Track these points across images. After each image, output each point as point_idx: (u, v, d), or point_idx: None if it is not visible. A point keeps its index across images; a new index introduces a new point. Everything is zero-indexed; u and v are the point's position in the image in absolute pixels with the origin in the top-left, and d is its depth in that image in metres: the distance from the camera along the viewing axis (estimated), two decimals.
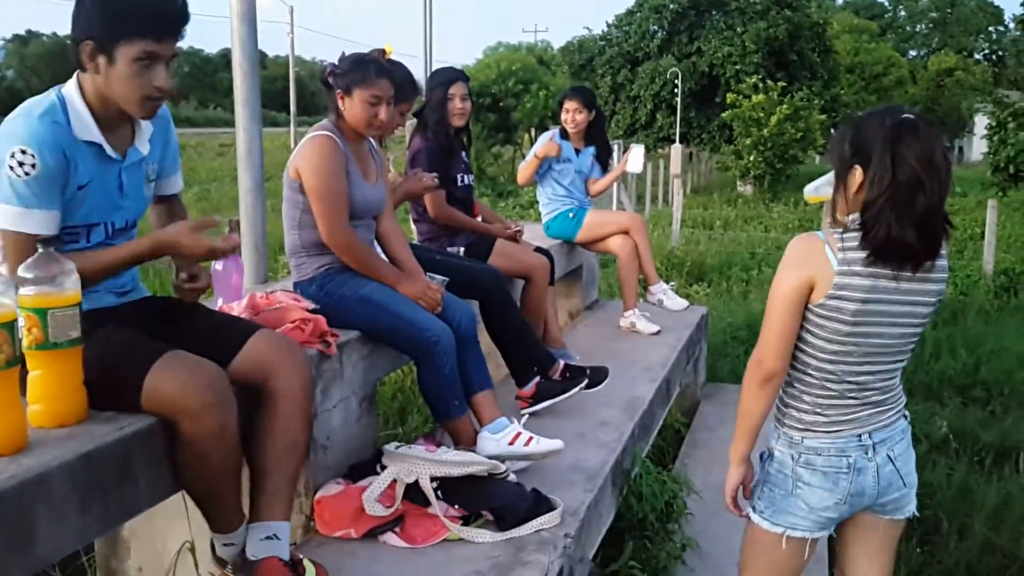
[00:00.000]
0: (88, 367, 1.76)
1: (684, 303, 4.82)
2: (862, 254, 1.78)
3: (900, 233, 1.74)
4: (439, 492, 2.33)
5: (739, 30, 30.33)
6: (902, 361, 1.93)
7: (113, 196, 1.95)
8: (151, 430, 1.81)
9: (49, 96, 1.86)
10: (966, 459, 4.41)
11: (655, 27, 32.60)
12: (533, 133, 24.12)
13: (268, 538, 1.94)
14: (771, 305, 1.88)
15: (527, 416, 3.09)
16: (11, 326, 1.60)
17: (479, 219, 3.92)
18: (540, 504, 2.40)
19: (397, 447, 2.46)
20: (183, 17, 1.85)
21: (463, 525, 2.32)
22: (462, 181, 3.83)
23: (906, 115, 1.77)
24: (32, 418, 1.71)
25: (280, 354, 2.02)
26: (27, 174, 1.76)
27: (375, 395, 2.78)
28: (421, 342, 2.60)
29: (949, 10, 58.59)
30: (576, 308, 5.18)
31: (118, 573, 2.63)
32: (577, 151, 4.72)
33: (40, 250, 1.68)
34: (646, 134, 31.60)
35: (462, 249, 3.73)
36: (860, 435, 1.91)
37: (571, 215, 4.71)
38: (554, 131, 4.73)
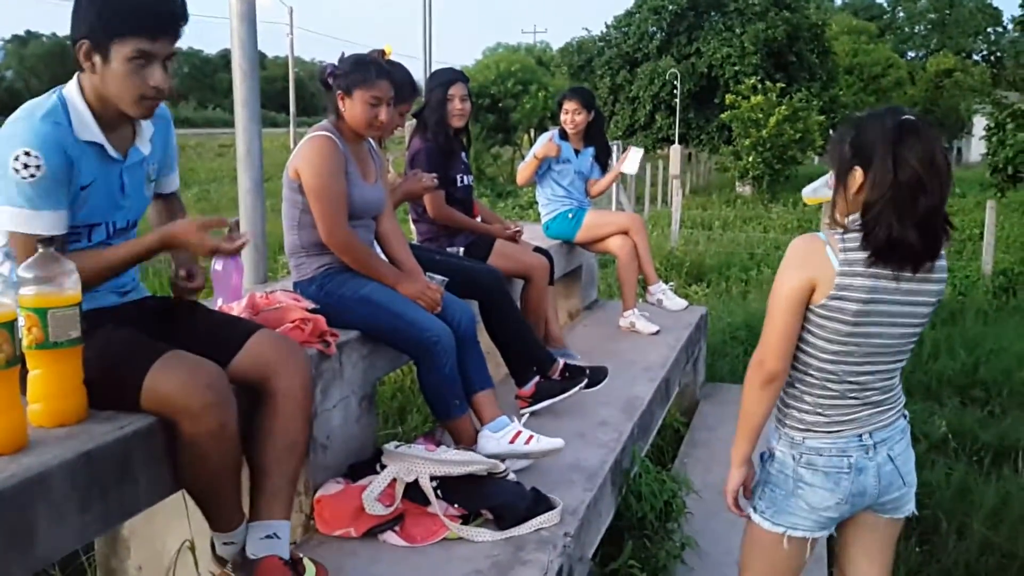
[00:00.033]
0: (88, 367, 1.76)
1: (683, 303, 4.83)
2: (863, 255, 1.78)
3: (901, 234, 1.74)
4: (439, 491, 2.34)
5: (738, 31, 30.34)
6: (902, 361, 1.94)
7: (115, 196, 1.95)
8: (151, 429, 1.81)
9: (50, 97, 1.86)
10: (965, 459, 4.42)
11: (654, 28, 32.60)
12: (532, 134, 24.13)
13: (268, 537, 1.94)
14: (772, 306, 1.88)
15: (527, 416, 3.10)
16: (11, 325, 1.60)
17: (478, 219, 3.92)
18: (540, 503, 2.40)
19: (397, 446, 2.47)
20: (178, 16, 1.84)
21: (463, 524, 2.33)
22: (461, 182, 3.83)
23: (906, 116, 1.78)
24: (32, 417, 1.72)
25: (280, 354, 2.02)
26: (33, 176, 1.76)
27: (375, 395, 2.79)
28: (421, 342, 2.61)
29: (948, 11, 58.61)
30: (575, 308, 5.18)
31: (118, 572, 2.63)
32: (576, 152, 4.73)
33: (40, 250, 1.68)
34: (645, 135, 31.61)
35: (461, 249, 3.73)
36: (861, 435, 1.91)
37: (570, 215, 4.72)
38: (553, 132, 4.73)
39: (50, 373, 1.72)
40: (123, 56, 1.80)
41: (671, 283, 5.38)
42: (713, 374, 5.63)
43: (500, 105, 23.63)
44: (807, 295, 1.84)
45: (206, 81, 71.06)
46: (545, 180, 4.74)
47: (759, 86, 23.15)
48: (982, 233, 10.16)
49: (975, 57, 55.59)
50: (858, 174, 1.79)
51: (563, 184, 4.71)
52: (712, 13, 31.96)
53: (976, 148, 34.65)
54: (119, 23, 1.79)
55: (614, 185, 10.33)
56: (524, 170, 4.69)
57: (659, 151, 29.61)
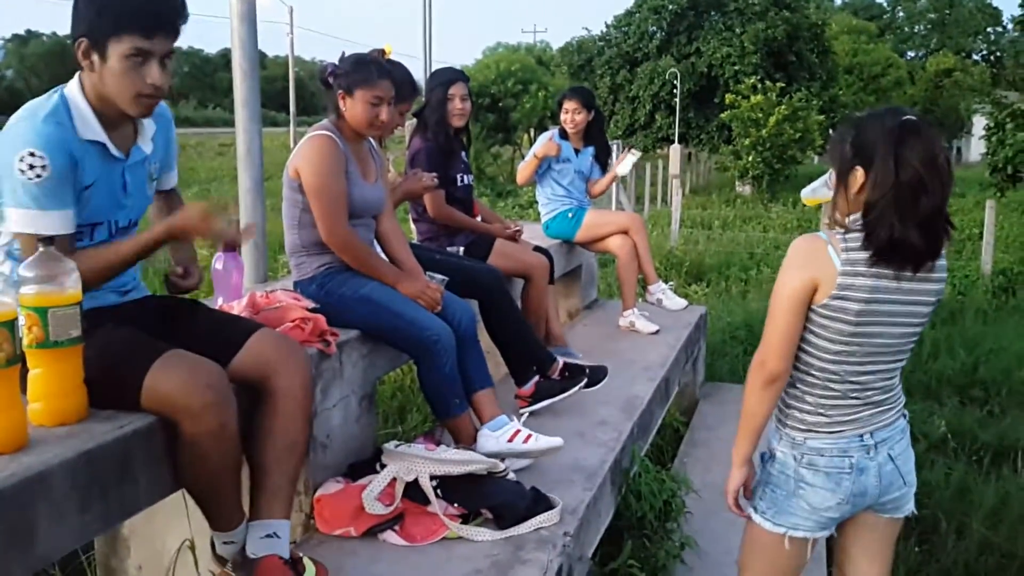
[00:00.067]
0: (88, 366, 1.76)
1: (683, 303, 4.83)
2: (865, 254, 1.78)
3: (903, 234, 1.74)
4: (438, 490, 2.34)
5: (738, 31, 30.33)
6: (902, 360, 1.94)
7: (117, 195, 1.95)
8: (151, 429, 1.81)
9: (51, 97, 1.86)
10: (964, 458, 4.42)
11: (654, 28, 32.59)
12: (532, 133, 24.13)
13: (268, 536, 1.94)
14: (774, 306, 1.87)
15: (526, 415, 3.10)
16: (11, 325, 1.60)
17: (478, 219, 3.93)
18: (539, 502, 2.40)
19: (397, 446, 2.47)
20: (176, 14, 1.84)
21: (462, 523, 2.33)
22: (462, 181, 3.83)
23: (907, 116, 1.78)
24: (32, 416, 1.72)
25: (280, 353, 2.02)
26: (39, 176, 1.75)
27: (375, 394, 2.79)
28: (421, 341, 2.61)
29: (947, 11, 58.60)
30: (575, 308, 5.18)
31: (118, 571, 2.63)
32: (576, 151, 4.73)
33: (41, 249, 1.68)
34: (645, 134, 31.61)
35: (462, 249, 3.73)
36: (862, 435, 1.91)
37: (570, 215, 4.72)
38: (553, 131, 4.73)
39: (50, 372, 1.72)
40: (120, 54, 1.80)
41: (671, 283, 5.39)
42: (713, 374, 5.63)
43: (500, 105, 23.63)
44: (809, 295, 1.83)
45: (206, 80, 71.03)
46: (545, 179, 4.74)
47: (759, 86, 23.13)
48: (981, 233, 10.16)
49: (975, 57, 55.58)
50: (859, 174, 1.79)
51: (563, 183, 4.71)
52: (712, 13, 31.95)
53: (976, 148, 34.64)
54: (116, 21, 1.78)
55: (614, 185, 10.33)
56: (524, 169, 4.69)
57: (659, 151, 29.60)
